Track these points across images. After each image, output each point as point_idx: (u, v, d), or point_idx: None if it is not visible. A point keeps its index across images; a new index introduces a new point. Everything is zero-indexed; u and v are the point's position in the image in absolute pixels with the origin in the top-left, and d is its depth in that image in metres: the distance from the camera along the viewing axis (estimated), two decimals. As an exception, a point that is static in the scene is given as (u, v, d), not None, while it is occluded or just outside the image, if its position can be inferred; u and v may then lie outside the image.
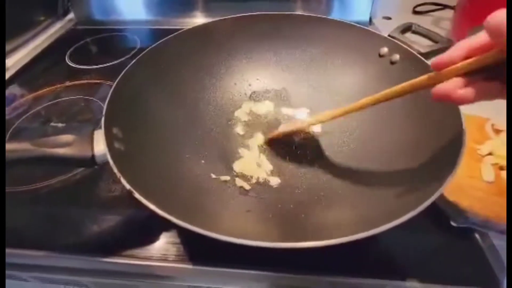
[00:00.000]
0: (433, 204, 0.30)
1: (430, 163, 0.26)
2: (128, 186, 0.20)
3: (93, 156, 0.24)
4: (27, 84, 0.53)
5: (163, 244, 0.29)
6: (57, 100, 0.48)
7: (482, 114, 0.37)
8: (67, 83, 0.51)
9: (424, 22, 0.63)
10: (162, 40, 0.35)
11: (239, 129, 0.38)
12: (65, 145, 0.24)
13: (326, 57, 0.40)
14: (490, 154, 0.32)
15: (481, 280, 0.26)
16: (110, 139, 0.24)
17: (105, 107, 0.27)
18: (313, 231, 0.25)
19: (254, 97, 0.41)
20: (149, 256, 0.29)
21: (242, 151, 0.36)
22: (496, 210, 0.27)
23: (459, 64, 0.19)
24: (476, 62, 0.18)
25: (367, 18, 0.65)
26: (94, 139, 0.25)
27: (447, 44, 0.49)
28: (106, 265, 0.29)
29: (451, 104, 0.26)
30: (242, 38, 0.40)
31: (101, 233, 0.31)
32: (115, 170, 0.21)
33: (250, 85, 0.42)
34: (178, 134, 0.34)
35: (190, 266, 0.28)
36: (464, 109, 0.37)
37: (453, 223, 0.29)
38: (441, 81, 0.20)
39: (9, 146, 0.22)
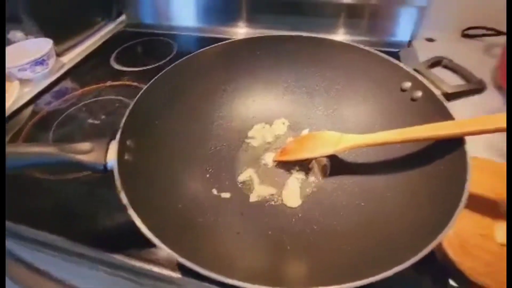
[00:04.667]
0: (433, 259, 0.28)
1: (430, 217, 0.25)
2: (124, 201, 0.23)
3: (105, 165, 0.27)
4: (77, 80, 0.60)
5: (160, 250, 0.32)
6: (97, 98, 0.54)
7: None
8: (108, 83, 0.57)
9: (474, 47, 0.58)
10: (184, 57, 0.38)
11: (249, 147, 0.40)
12: (84, 152, 0.27)
13: (345, 84, 0.40)
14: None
15: None
16: (121, 152, 0.27)
17: (123, 120, 0.30)
18: (288, 269, 0.25)
19: (269, 117, 0.42)
20: (146, 258, 0.31)
21: (248, 170, 0.37)
22: (501, 280, 0.25)
23: None
24: None
25: (407, 39, 0.62)
26: (109, 149, 0.28)
27: (478, 86, 0.43)
28: (108, 258, 0.32)
29: (460, 156, 0.25)
30: (262, 58, 0.41)
31: (109, 229, 0.34)
32: (118, 184, 0.24)
33: (266, 104, 0.43)
34: (190, 148, 0.36)
35: (179, 276, 0.30)
36: (489, 155, 0.35)
37: (452, 284, 0.27)
38: None
39: (35, 148, 0.27)
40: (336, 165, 0.36)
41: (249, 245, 0.28)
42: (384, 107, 0.36)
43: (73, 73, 0.62)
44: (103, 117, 0.50)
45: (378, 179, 0.32)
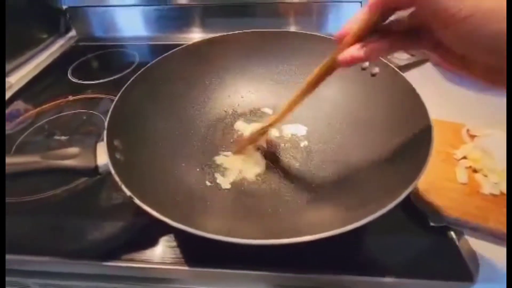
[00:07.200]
0: (413, 206, 0.32)
1: (403, 168, 0.28)
2: (128, 193, 0.23)
3: (96, 167, 0.26)
4: (31, 100, 0.55)
5: (161, 248, 0.31)
6: (60, 115, 0.51)
7: (459, 120, 0.40)
8: (70, 98, 0.54)
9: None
10: (157, 58, 0.38)
11: (233, 139, 0.41)
12: (71, 157, 0.26)
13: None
14: (464, 158, 0.34)
15: (456, 273, 0.28)
16: (111, 151, 0.27)
17: (106, 121, 0.29)
18: (298, 230, 0.27)
19: (248, 109, 0.44)
20: (147, 259, 0.30)
21: (235, 158, 0.38)
22: (469, 209, 0.29)
23: (351, 32, 0.22)
24: (360, 26, 0.22)
25: (354, 31, 0.69)
26: (97, 151, 0.27)
27: (423, 57, 0.53)
28: (106, 269, 0.31)
29: (422, 116, 0.29)
30: (233, 55, 0.43)
31: (102, 239, 0.33)
32: (117, 178, 0.24)
33: (242, 97, 0.45)
34: (175, 145, 0.36)
35: (186, 268, 0.30)
36: (441, 116, 0.41)
37: (431, 223, 0.31)
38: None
39: (19, 159, 0.25)
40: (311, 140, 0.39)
41: (253, 222, 0.29)
42: (349, 86, 0.40)
43: (24, 93, 0.57)
44: (71, 131, 0.47)
45: (354, 146, 0.36)
